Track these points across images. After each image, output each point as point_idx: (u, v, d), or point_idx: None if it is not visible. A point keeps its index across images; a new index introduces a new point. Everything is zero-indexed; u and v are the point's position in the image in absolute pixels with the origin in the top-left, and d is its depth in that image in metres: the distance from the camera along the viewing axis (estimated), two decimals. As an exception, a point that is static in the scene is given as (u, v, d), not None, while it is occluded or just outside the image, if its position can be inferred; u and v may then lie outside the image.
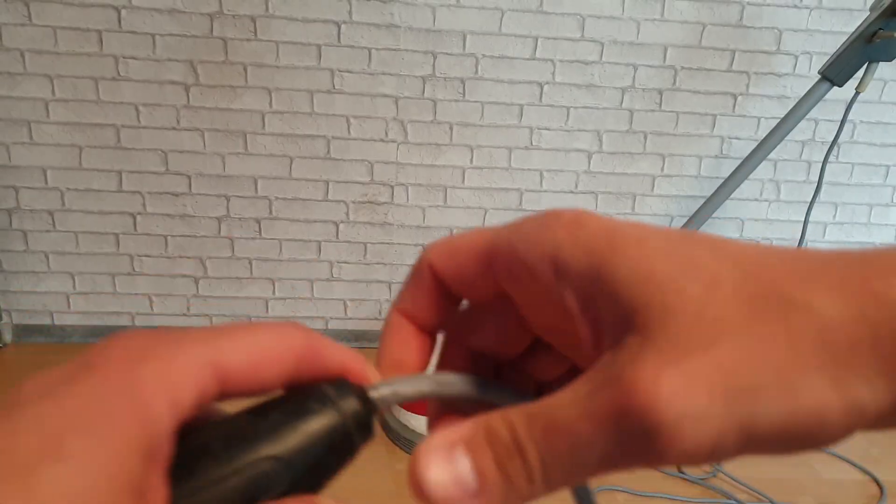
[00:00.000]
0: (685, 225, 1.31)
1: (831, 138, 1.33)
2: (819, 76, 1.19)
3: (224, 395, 0.20)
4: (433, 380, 0.22)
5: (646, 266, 0.17)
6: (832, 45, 1.61)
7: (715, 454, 0.16)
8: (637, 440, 0.16)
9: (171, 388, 0.18)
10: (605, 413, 0.16)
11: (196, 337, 0.19)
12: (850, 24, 1.59)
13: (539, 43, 1.58)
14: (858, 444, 1.49)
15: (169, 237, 1.66)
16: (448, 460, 0.18)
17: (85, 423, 0.17)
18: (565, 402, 0.17)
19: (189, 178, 1.62)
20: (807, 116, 1.25)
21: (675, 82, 1.63)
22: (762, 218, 1.77)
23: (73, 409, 0.17)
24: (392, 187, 1.67)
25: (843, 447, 1.47)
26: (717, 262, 0.17)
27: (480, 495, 0.17)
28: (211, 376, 0.19)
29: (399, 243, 1.72)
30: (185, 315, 1.74)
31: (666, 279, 0.17)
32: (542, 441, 0.17)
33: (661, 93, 1.64)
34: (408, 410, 1.36)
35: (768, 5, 1.58)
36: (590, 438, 0.16)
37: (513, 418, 0.18)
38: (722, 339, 0.16)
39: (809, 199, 1.35)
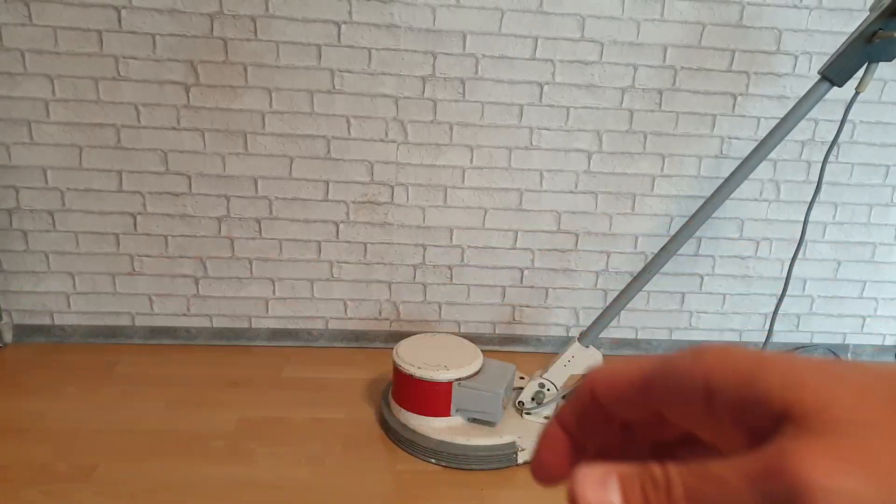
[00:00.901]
0: (685, 225, 1.31)
1: (831, 138, 1.33)
2: (819, 76, 1.19)
3: None
4: None
5: (797, 375, 0.19)
6: (832, 45, 1.61)
7: None
8: (783, 498, 0.17)
9: None
10: (757, 471, 0.18)
11: None
12: (850, 24, 1.59)
13: (539, 43, 1.58)
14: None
15: (169, 237, 1.66)
16: (602, 485, 0.20)
17: None
18: (721, 461, 0.19)
19: (189, 178, 1.62)
20: (807, 116, 1.24)
21: (674, 82, 1.63)
22: (762, 218, 1.77)
23: None
24: (392, 187, 1.67)
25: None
26: (863, 375, 0.19)
27: None
28: None
29: (399, 243, 1.72)
30: (185, 315, 1.74)
31: (818, 386, 0.18)
32: (690, 482, 0.19)
33: (661, 93, 1.64)
34: (407, 410, 1.36)
35: (768, 5, 1.58)
36: (737, 489, 0.18)
37: (671, 466, 0.20)
38: (876, 437, 0.17)
39: (809, 199, 1.35)
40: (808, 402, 0.18)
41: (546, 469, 0.26)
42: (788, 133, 1.24)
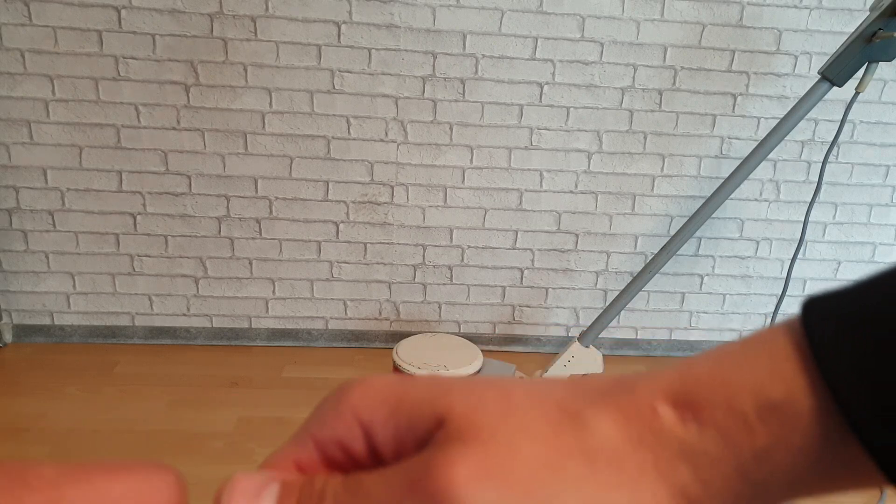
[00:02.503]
0: (685, 225, 1.31)
1: (831, 138, 1.33)
2: (819, 76, 1.19)
3: None
4: None
5: (443, 388, 0.19)
6: (832, 45, 1.61)
7: None
8: None
9: None
10: (404, 484, 0.17)
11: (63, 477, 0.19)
12: (850, 24, 1.59)
13: (539, 43, 1.58)
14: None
15: (169, 237, 1.66)
16: (256, 494, 0.19)
17: None
18: (375, 474, 0.19)
19: (189, 178, 1.62)
20: (807, 116, 1.25)
21: (674, 82, 1.63)
22: (762, 218, 1.77)
23: None
24: (392, 187, 1.67)
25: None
26: (507, 385, 0.19)
27: None
28: None
29: (399, 243, 1.72)
30: (185, 315, 1.74)
31: (464, 395, 0.19)
32: (341, 496, 0.18)
33: (660, 93, 1.64)
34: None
35: (768, 5, 1.58)
36: (385, 496, 0.18)
37: (334, 478, 0.19)
38: (523, 445, 0.17)
39: (809, 199, 1.35)
40: (458, 410, 0.18)
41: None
42: (788, 133, 1.24)
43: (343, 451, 0.20)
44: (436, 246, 1.73)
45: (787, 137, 1.30)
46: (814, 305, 0.17)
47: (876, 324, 0.16)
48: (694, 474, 0.17)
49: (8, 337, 1.71)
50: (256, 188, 1.64)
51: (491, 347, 1.84)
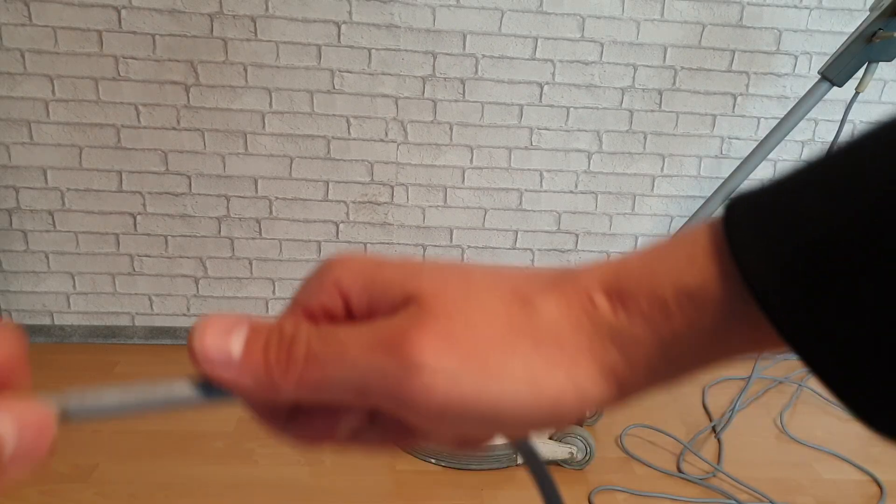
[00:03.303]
0: (684, 224, 1.31)
1: (831, 138, 1.33)
2: (819, 76, 1.19)
3: None
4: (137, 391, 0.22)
5: (414, 270, 0.21)
6: (832, 45, 1.61)
7: (451, 412, 0.19)
8: (394, 372, 0.19)
9: None
10: (377, 342, 0.20)
11: None
12: (850, 24, 1.59)
13: (539, 43, 1.58)
14: (858, 444, 1.49)
15: (169, 237, 1.66)
16: (225, 332, 0.21)
17: None
18: (350, 328, 0.21)
19: (189, 178, 1.62)
20: (807, 116, 1.25)
21: (674, 82, 1.63)
22: (762, 218, 1.76)
23: None
24: (392, 187, 1.67)
25: (843, 447, 1.47)
26: (468, 270, 0.22)
27: (237, 369, 0.21)
28: None
29: (399, 243, 1.72)
30: (185, 315, 1.74)
31: (432, 277, 0.21)
32: (314, 344, 0.20)
33: (660, 93, 1.64)
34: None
35: (768, 5, 1.58)
36: (354, 357, 0.20)
37: (305, 325, 0.21)
38: (481, 322, 0.20)
39: (809, 199, 1.35)
40: (426, 289, 0.21)
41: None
42: (788, 133, 1.24)
43: (326, 317, 0.22)
44: (436, 246, 1.73)
45: (787, 137, 1.30)
46: (732, 203, 0.20)
47: (776, 207, 0.18)
48: (621, 355, 0.20)
49: (8, 337, 1.71)
50: (256, 188, 1.64)
51: (491, 347, 1.83)
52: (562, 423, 0.21)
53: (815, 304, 0.17)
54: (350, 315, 0.22)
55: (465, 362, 0.19)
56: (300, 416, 0.23)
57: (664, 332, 0.20)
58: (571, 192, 1.71)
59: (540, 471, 0.27)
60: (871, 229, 0.17)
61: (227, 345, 0.21)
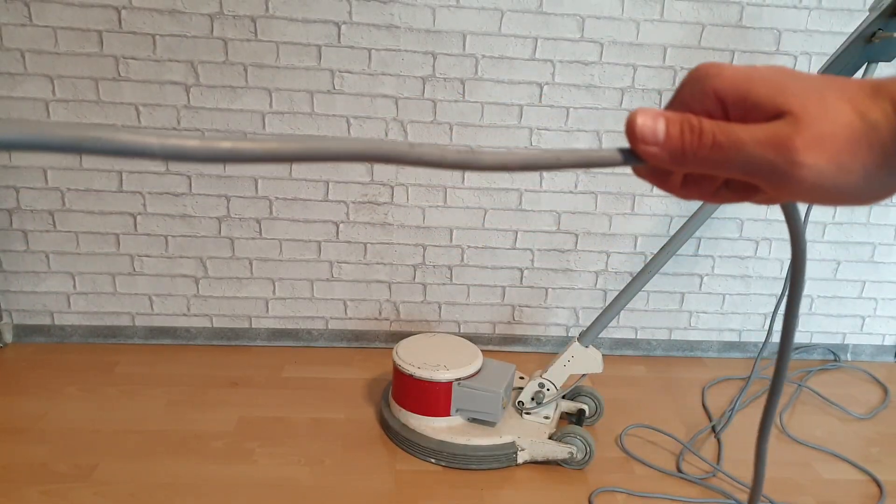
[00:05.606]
0: (684, 225, 1.31)
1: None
2: (819, 76, 1.19)
3: None
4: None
5: (779, 87, 0.28)
6: (832, 45, 1.62)
7: (808, 193, 0.27)
8: (781, 165, 0.27)
9: None
10: (767, 139, 0.27)
11: None
12: (850, 24, 1.59)
13: (539, 43, 1.58)
14: (858, 444, 1.49)
15: (169, 237, 1.66)
16: (654, 118, 0.29)
17: None
18: (743, 126, 0.28)
19: (189, 178, 1.62)
20: (806, 117, 1.24)
21: (674, 82, 1.63)
22: (762, 218, 1.77)
23: None
24: (392, 187, 1.67)
25: (843, 447, 1.47)
26: (822, 91, 0.27)
27: (660, 144, 0.29)
28: None
29: (399, 243, 1.72)
30: (185, 315, 1.74)
31: (796, 94, 0.27)
32: (718, 134, 0.28)
33: (660, 93, 1.64)
34: (407, 410, 1.36)
35: (768, 6, 1.58)
36: (748, 149, 0.27)
37: (706, 119, 0.29)
38: (837, 132, 0.26)
39: (809, 200, 1.35)
40: (794, 104, 0.27)
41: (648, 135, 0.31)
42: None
43: (707, 116, 0.29)
44: (436, 246, 1.73)
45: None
46: None
47: None
48: None
49: (8, 337, 1.71)
50: (256, 188, 1.64)
51: (491, 347, 1.84)
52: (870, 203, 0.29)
53: None
54: (726, 117, 0.29)
55: (829, 161, 0.26)
56: (689, 182, 0.33)
57: None
58: (571, 192, 1.71)
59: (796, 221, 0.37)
60: None
61: (656, 126, 0.29)
